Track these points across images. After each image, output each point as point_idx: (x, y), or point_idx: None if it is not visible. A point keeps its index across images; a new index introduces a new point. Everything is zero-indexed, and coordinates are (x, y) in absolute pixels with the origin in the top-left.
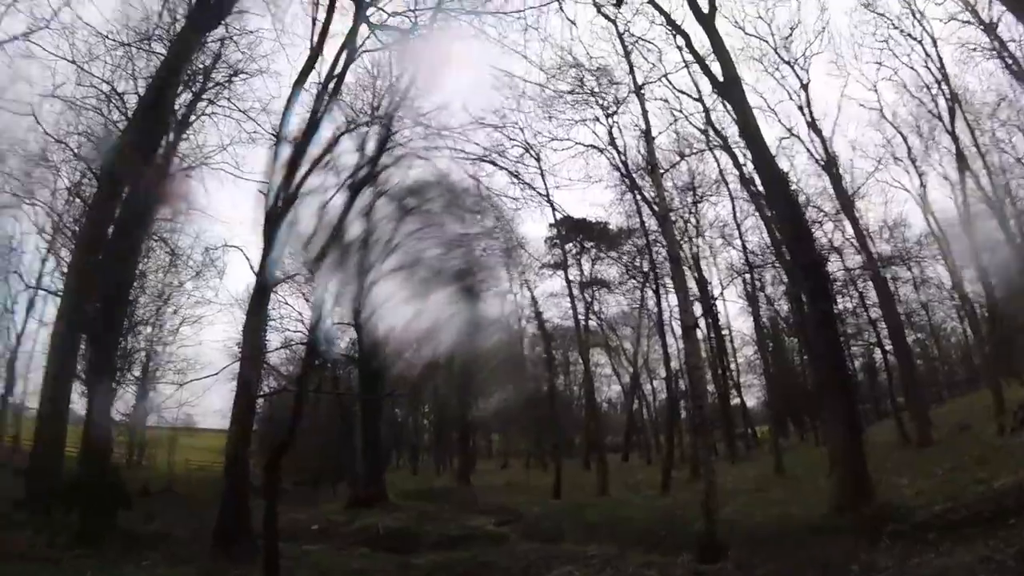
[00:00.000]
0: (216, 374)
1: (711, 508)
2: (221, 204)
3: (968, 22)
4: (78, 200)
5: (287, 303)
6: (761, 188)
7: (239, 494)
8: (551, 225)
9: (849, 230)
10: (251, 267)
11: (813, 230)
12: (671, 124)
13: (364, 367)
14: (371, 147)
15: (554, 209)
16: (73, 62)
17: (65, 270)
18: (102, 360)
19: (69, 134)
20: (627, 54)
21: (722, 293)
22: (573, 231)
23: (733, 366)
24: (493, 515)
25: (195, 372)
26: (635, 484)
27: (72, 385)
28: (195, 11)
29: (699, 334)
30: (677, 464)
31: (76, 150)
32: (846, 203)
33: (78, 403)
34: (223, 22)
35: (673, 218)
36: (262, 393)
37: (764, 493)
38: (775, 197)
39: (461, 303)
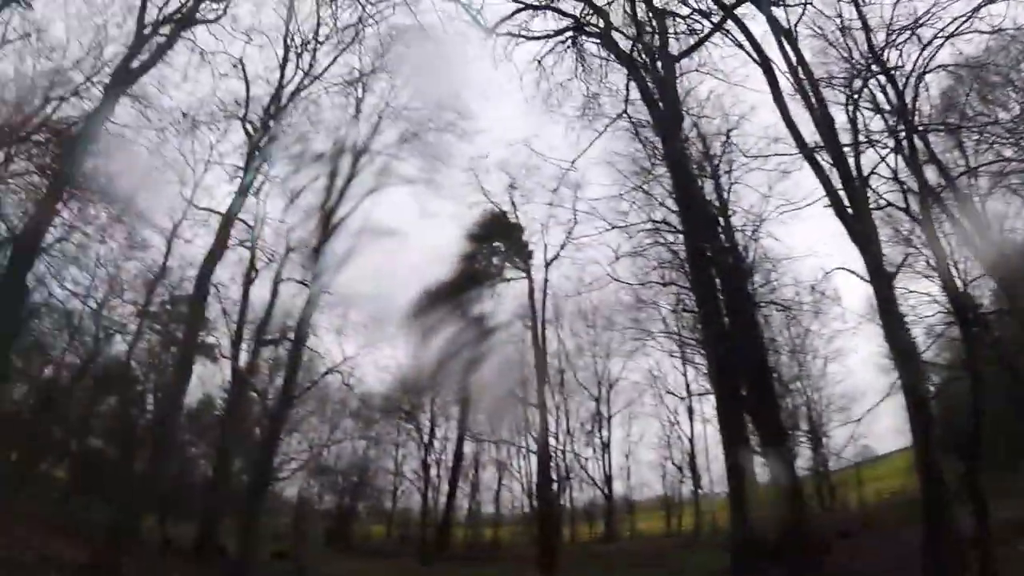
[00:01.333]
0: (879, 403)
1: None
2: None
3: None
4: None
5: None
6: None
7: (936, 505)
8: None
9: None
10: (860, 278)
11: None
12: None
13: None
14: None
15: None
16: None
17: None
18: (769, 426)
19: None
20: None
21: None
22: None
23: None
24: None
25: (855, 401)
26: None
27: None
28: None
29: None
30: None
31: None
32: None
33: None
34: None
35: None
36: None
37: None
38: None
39: None
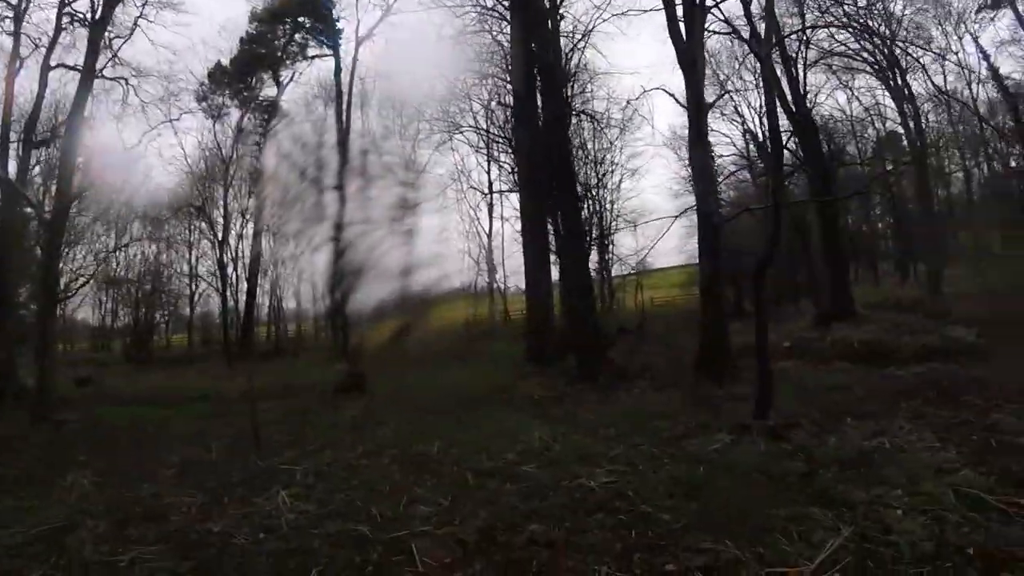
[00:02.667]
0: (678, 216)
1: None
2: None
3: None
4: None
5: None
6: None
7: (716, 319)
8: None
9: None
10: (677, 101)
11: None
12: None
13: (813, 171)
14: None
15: None
16: None
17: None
18: (572, 228)
19: None
20: None
21: None
22: None
23: None
24: (972, 325)
25: (642, 217)
26: None
27: (549, 257)
28: None
29: None
30: None
31: None
32: None
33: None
34: None
35: None
36: (727, 218)
37: None
38: None
39: None
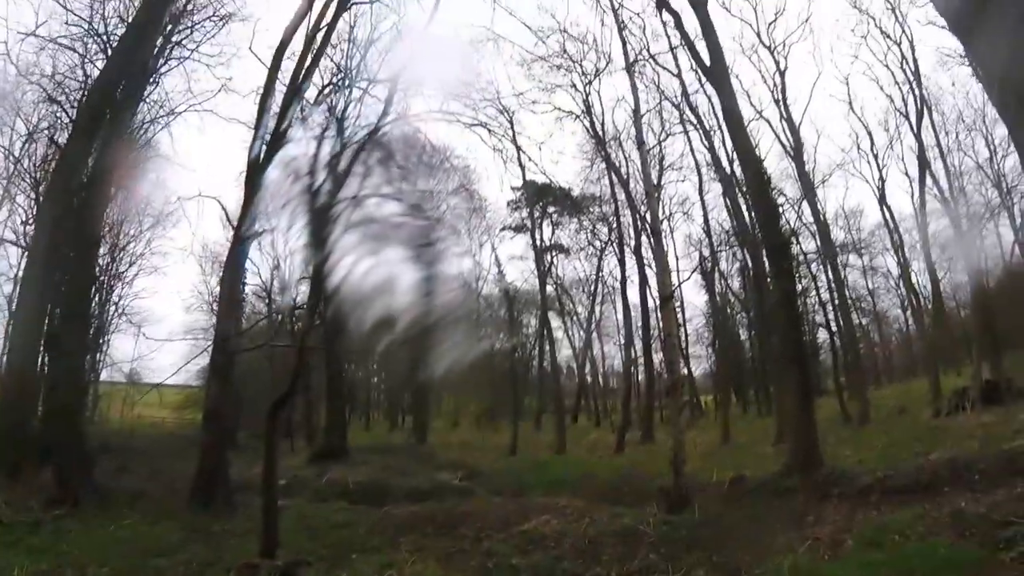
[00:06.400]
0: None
1: (679, 462)
2: (194, 154)
3: (944, 27)
4: (37, 146)
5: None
6: (729, 169)
7: (217, 448)
8: (516, 188)
9: (808, 215)
10: (228, 218)
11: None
12: (656, 104)
13: (327, 322)
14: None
15: (523, 170)
16: None
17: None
18: (76, 314)
19: (42, 76)
20: (620, 30)
21: (697, 268)
22: (538, 194)
23: (682, 337)
24: (455, 470)
25: (151, 324)
26: (589, 444)
27: (41, 340)
28: None
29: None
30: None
31: (50, 92)
32: (808, 188)
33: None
34: None
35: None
36: (243, 348)
37: (715, 458)
38: (751, 181)
39: (421, 261)
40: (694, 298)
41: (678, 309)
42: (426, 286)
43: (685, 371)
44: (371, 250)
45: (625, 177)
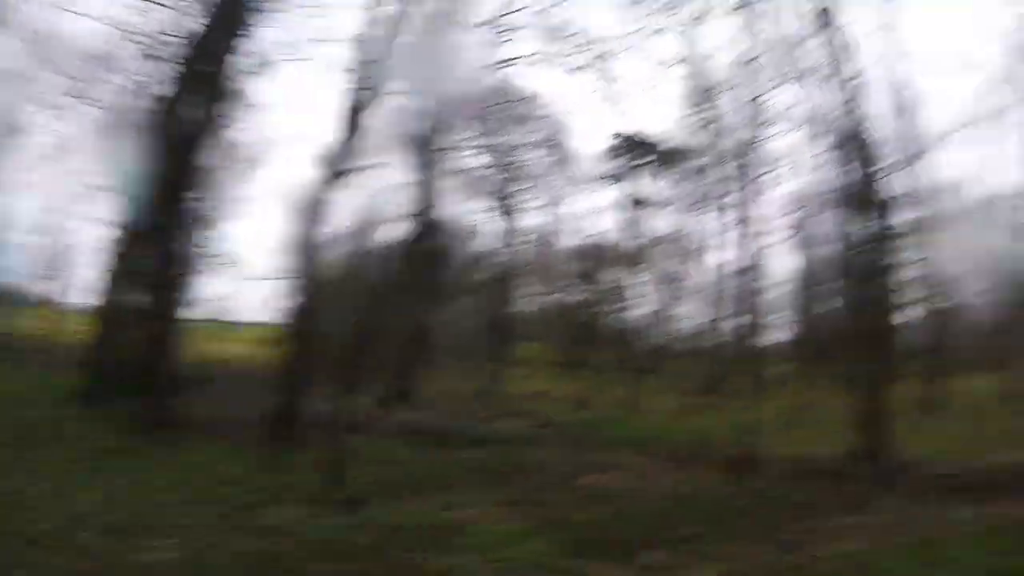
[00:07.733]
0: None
1: (750, 431)
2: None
3: None
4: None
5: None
6: (838, 124)
7: (294, 383)
8: (609, 137)
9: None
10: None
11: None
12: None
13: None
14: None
15: (620, 118)
16: None
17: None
18: (170, 254)
19: (143, 35)
20: None
21: (793, 229)
22: (632, 145)
23: (769, 301)
24: (525, 418)
25: (232, 265)
26: (663, 404)
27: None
28: None
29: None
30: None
31: (150, 50)
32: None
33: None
34: None
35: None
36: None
37: (789, 431)
38: (858, 139)
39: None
40: (786, 261)
41: (767, 272)
42: (507, 237)
43: (768, 338)
44: (461, 197)
45: (726, 129)
